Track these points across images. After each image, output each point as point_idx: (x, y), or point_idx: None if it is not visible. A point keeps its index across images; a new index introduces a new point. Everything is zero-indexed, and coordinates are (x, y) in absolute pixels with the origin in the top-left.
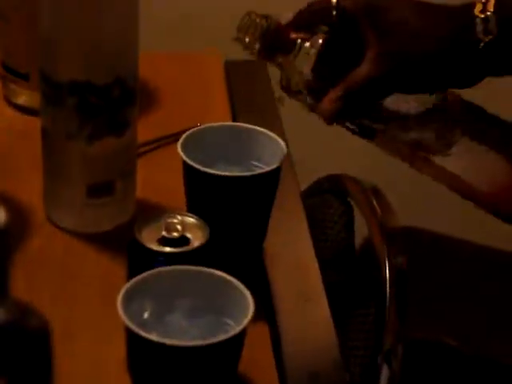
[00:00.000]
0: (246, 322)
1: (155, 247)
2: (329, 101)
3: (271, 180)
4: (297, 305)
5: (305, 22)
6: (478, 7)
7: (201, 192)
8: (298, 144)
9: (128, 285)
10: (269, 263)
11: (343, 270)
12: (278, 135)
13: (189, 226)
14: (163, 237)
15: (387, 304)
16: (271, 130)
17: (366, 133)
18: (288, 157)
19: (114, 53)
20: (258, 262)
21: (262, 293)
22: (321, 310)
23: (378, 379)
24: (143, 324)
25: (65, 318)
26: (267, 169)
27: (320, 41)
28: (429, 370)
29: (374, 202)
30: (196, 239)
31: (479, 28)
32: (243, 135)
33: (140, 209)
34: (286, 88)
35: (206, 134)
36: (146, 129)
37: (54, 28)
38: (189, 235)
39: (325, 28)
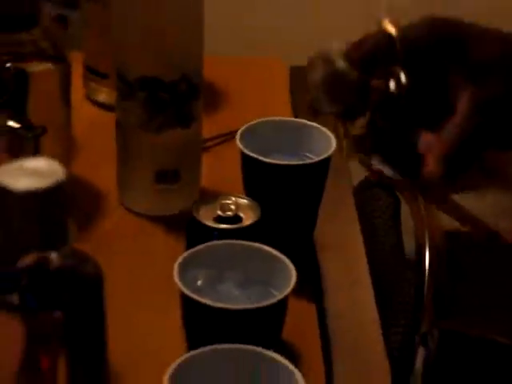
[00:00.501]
0: (288, 290)
1: (211, 224)
2: (431, 168)
3: (321, 169)
4: (343, 286)
5: (368, 61)
6: None
7: (255, 179)
8: None
9: (184, 255)
10: (319, 248)
11: (391, 256)
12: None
13: (242, 207)
14: (218, 215)
15: (425, 291)
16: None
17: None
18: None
19: (180, 52)
20: (308, 247)
21: (311, 274)
22: (365, 291)
23: (414, 358)
24: (197, 290)
25: (131, 286)
26: (317, 159)
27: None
28: (463, 362)
29: (419, 196)
30: (248, 218)
31: None
32: (297, 129)
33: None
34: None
35: (263, 128)
36: (211, 126)
37: (125, 31)
38: (241, 215)
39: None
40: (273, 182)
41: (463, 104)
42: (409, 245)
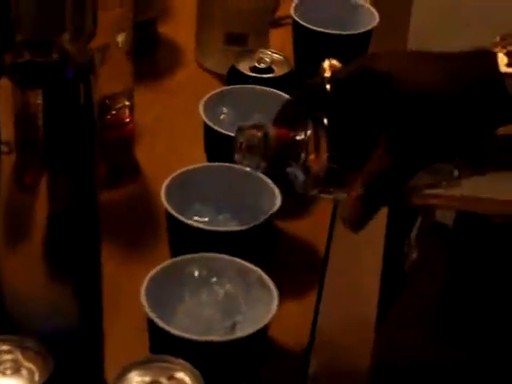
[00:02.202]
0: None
1: (246, 72)
2: (350, 204)
3: (362, 40)
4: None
5: (295, 114)
6: (502, 60)
7: (303, 45)
8: None
9: (211, 93)
10: None
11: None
12: None
13: (276, 61)
14: (254, 66)
15: None
16: None
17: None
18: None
19: None
20: None
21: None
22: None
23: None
24: (220, 123)
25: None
26: (358, 31)
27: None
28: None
29: None
30: (279, 71)
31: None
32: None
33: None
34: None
35: (322, 3)
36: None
37: None
38: (274, 68)
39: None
40: (315, 47)
41: (383, 140)
42: None
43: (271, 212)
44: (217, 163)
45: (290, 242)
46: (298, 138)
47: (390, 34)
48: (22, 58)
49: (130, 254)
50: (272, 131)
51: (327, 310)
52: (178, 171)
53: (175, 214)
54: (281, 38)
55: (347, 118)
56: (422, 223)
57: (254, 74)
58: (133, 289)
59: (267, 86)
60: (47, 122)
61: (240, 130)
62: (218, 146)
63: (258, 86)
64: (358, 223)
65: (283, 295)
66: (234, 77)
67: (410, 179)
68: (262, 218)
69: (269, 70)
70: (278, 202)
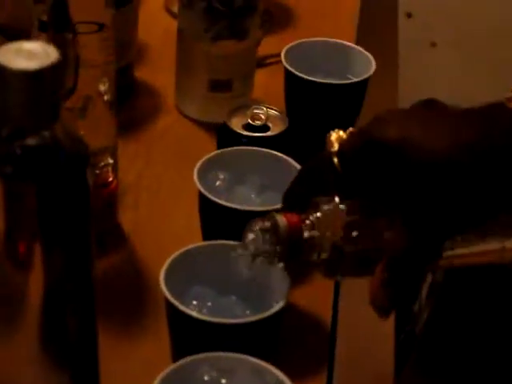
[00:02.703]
0: None
1: (239, 130)
2: (375, 290)
3: (359, 90)
4: None
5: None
6: None
7: (295, 94)
8: None
9: (206, 157)
10: None
11: None
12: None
13: (271, 118)
14: (248, 123)
15: None
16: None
17: None
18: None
19: None
20: None
21: None
22: None
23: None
24: (214, 190)
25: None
26: (356, 79)
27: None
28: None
29: None
30: (275, 128)
31: None
32: (340, 51)
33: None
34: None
35: (308, 48)
36: (275, 44)
37: None
38: (270, 125)
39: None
40: (311, 99)
41: (398, 216)
42: None
43: (283, 303)
44: (218, 241)
45: (295, 314)
46: (309, 219)
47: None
48: (13, 149)
49: (126, 335)
50: (281, 220)
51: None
52: (176, 253)
53: (180, 307)
54: (265, 80)
55: (359, 193)
56: (432, 282)
57: (248, 133)
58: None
59: (263, 146)
60: (41, 213)
61: (249, 229)
62: (215, 216)
63: (253, 148)
64: (386, 309)
65: (292, 374)
66: (225, 135)
67: (435, 254)
68: (274, 307)
69: (264, 127)
70: (287, 282)
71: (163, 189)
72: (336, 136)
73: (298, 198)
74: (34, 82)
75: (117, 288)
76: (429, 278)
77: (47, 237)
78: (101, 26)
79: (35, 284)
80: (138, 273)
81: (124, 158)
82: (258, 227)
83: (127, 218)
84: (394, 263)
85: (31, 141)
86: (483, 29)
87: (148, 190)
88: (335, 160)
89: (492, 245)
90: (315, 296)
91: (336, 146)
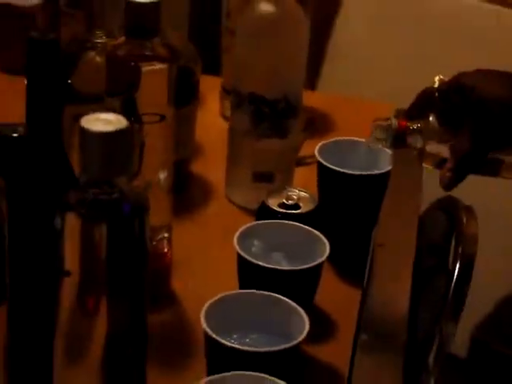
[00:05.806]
0: (320, 260)
1: (275, 208)
2: (445, 173)
3: (382, 182)
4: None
5: (417, 111)
6: None
7: (327, 185)
8: None
9: (244, 227)
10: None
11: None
12: None
13: (303, 199)
14: (283, 203)
15: (450, 294)
16: None
17: (489, 173)
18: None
19: (283, 79)
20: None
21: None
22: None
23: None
24: (251, 255)
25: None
26: (379, 171)
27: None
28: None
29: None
30: (305, 207)
31: None
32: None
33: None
34: None
35: (342, 146)
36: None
37: (242, 55)
38: (301, 204)
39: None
40: (340, 187)
41: (464, 132)
42: None
43: (302, 336)
44: (249, 290)
45: (313, 367)
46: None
47: None
48: (87, 195)
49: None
50: (395, 121)
51: None
52: (214, 298)
53: (216, 337)
54: (304, 176)
55: (447, 113)
56: (438, 348)
57: (282, 210)
58: None
59: (295, 221)
60: (109, 251)
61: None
62: (249, 274)
63: (286, 221)
64: (450, 187)
65: None
66: (264, 212)
67: (485, 157)
68: (293, 341)
69: (296, 206)
70: (307, 326)
71: (211, 263)
72: (438, 78)
73: (411, 113)
74: (108, 142)
75: (160, 339)
76: (435, 346)
77: (113, 288)
78: (162, 117)
79: (100, 328)
80: (182, 328)
81: (178, 236)
82: (380, 123)
83: (178, 286)
84: (459, 157)
85: (102, 188)
86: None
87: (198, 263)
88: (436, 93)
89: None
90: (335, 350)
91: (437, 84)
